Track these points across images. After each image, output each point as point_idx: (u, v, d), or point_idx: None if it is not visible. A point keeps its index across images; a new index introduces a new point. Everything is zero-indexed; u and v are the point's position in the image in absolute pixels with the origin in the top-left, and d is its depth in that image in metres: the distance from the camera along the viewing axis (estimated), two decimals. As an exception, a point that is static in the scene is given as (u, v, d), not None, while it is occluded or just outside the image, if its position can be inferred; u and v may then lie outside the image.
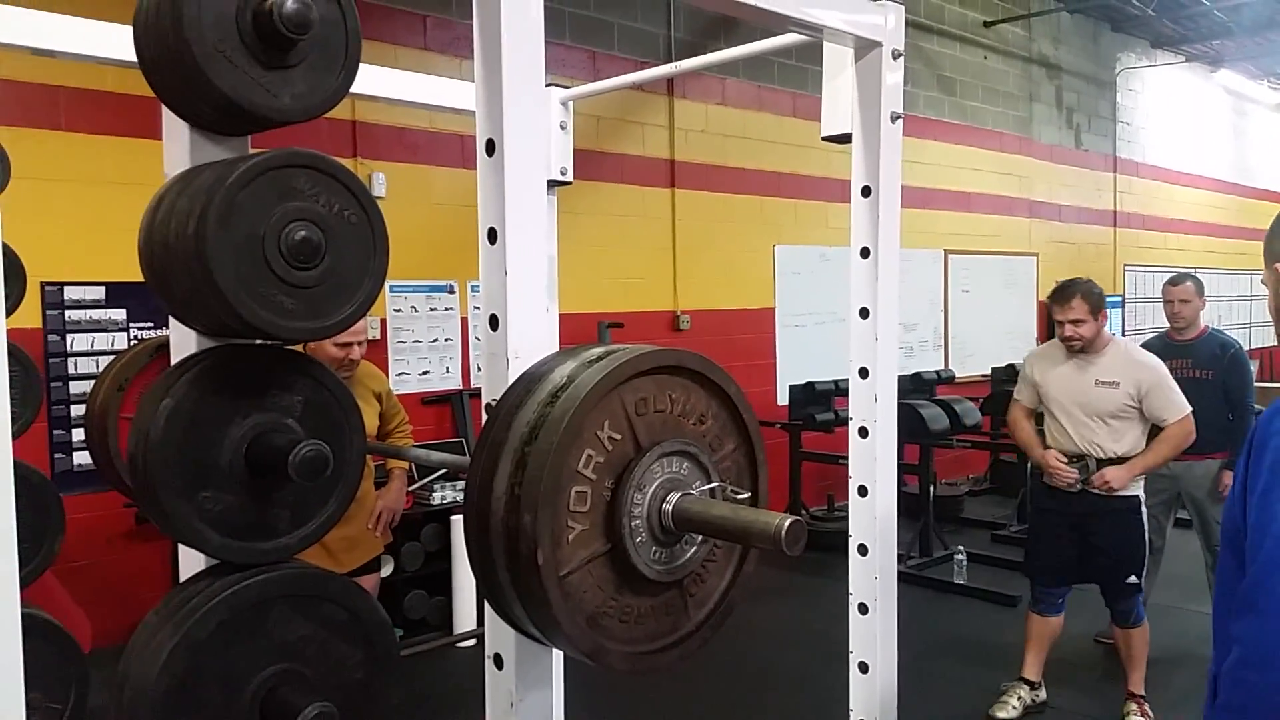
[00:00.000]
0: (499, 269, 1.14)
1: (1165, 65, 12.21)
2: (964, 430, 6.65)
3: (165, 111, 1.06)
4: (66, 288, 4.53)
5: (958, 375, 8.52)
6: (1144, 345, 4.99)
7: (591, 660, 1.04)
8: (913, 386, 7.26)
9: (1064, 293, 3.98)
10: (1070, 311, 3.92)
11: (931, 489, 6.49)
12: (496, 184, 1.14)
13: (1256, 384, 5.18)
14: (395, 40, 5.31)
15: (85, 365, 4.58)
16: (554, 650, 1.17)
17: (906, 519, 6.80)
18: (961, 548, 6.09)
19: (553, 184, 2.64)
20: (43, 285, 4.43)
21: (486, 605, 1.11)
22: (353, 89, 2.24)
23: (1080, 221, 10.86)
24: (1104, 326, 3.96)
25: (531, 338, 1.15)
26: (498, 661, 1.19)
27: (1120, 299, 11.38)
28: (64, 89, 4.39)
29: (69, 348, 4.55)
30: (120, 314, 4.67)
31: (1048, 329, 10.18)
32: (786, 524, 0.97)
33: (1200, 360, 4.71)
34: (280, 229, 0.97)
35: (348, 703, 1.07)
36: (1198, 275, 5.02)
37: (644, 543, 1.07)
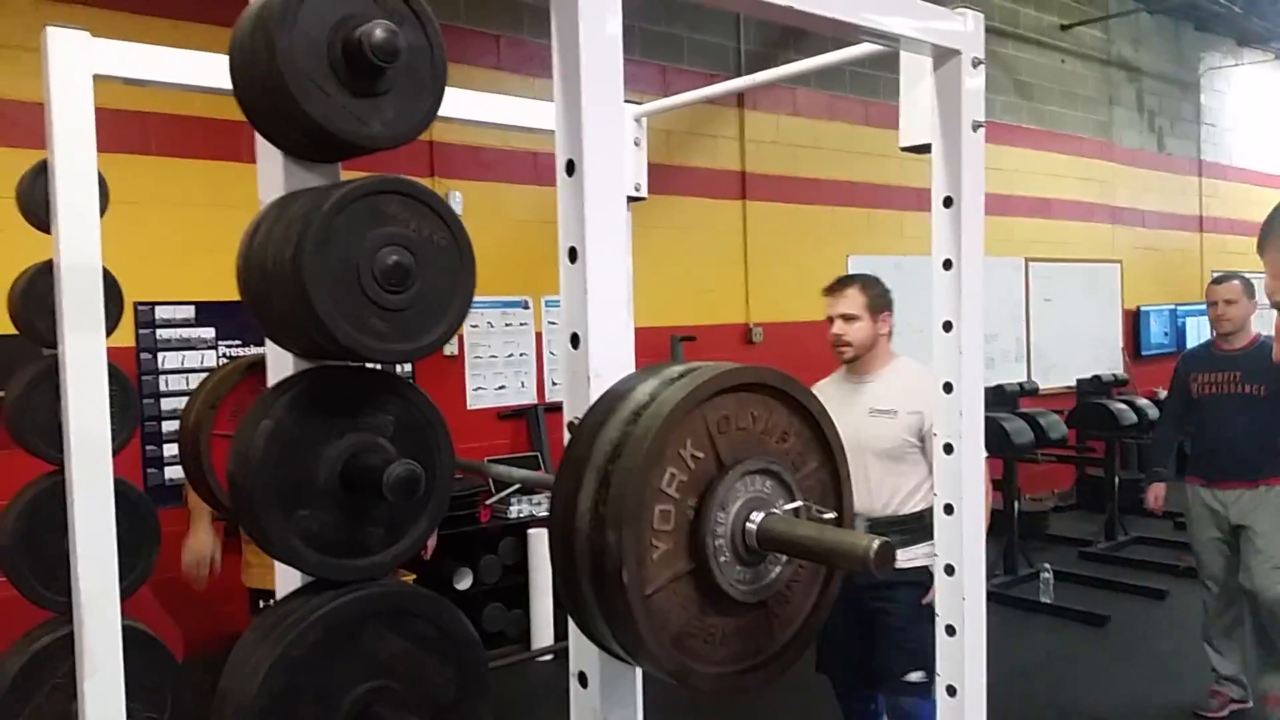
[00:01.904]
0: (580, 288, 1.15)
1: (1253, 64, 11.79)
2: (1049, 444, 6.50)
3: (259, 139, 1.09)
4: (158, 307, 4.69)
5: (1041, 387, 8.32)
6: (1186, 355, 4.65)
7: (677, 681, 1.03)
8: (995, 399, 7.12)
9: (839, 282, 3.23)
10: (841, 303, 3.11)
11: (1016, 505, 6.33)
12: (576, 203, 1.15)
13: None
14: (469, 61, 5.41)
15: (175, 382, 4.74)
16: (636, 669, 1.17)
17: (990, 536, 6.66)
18: (1048, 565, 5.93)
19: (627, 200, 2.66)
20: (135, 305, 4.60)
21: (570, 623, 1.11)
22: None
23: (1165, 227, 10.53)
24: (886, 336, 3.14)
25: (612, 356, 1.15)
26: (582, 680, 1.19)
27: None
28: (154, 115, 4.56)
29: (160, 365, 4.71)
30: (209, 332, 4.82)
31: (1134, 336, 9.96)
32: (875, 546, 0.95)
33: (1251, 373, 4.04)
34: (373, 254, 0.99)
35: (439, 719, 1.08)
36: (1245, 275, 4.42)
37: (728, 562, 1.05)
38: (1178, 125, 10.82)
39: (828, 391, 3.13)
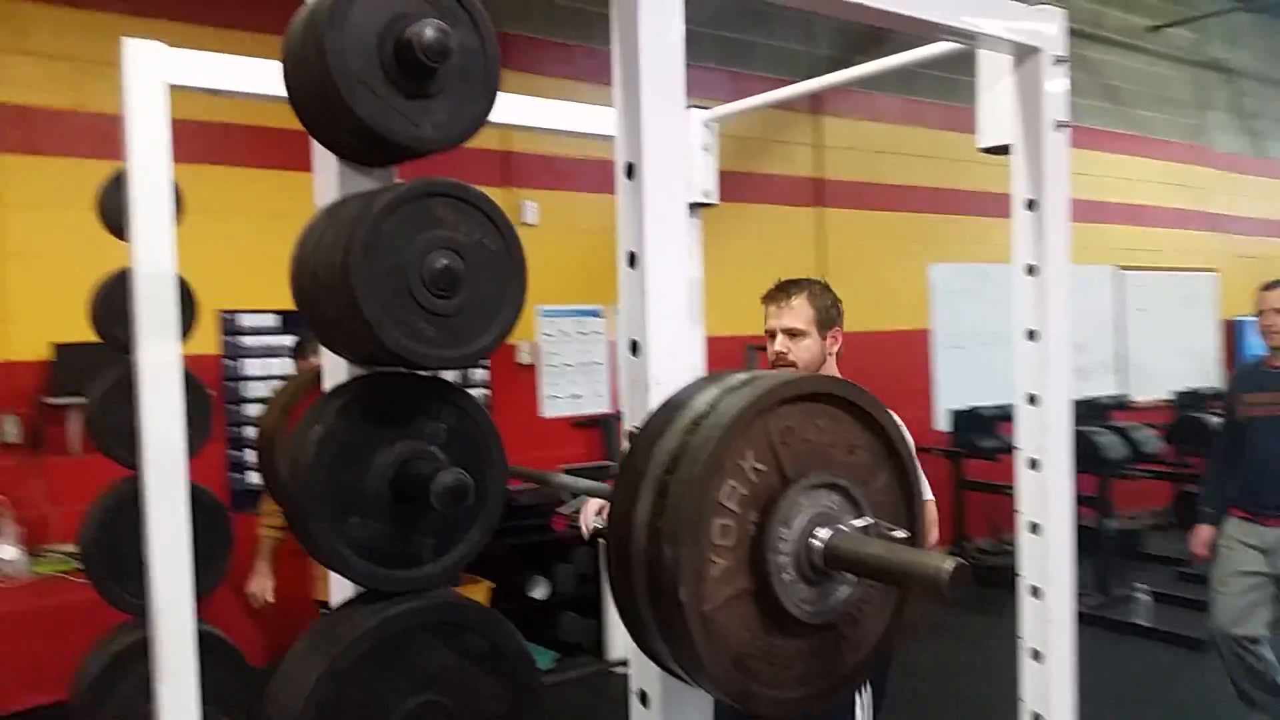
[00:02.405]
0: (639, 293, 1.12)
1: (1363, 61, 11.22)
2: (1143, 459, 6.25)
3: (314, 144, 1.09)
4: (241, 315, 4.81)
5: (1136, 400, 8.01)
6: (1236, 372, 4.20)
7: (738, 704, 0.99)
8: (1086, 412, 6.88)
9: (782, 288, 2.76)
10: (785, 315, 2.67)
11: (1109, 522, 6.10)
12: (636, 207, 1.12)
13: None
14: (544, 70, 5.44)
15: (258, 389, 4.85)
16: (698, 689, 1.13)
17: (1082, 555, 6.40)
18: (1144, 586, 5.69)
19: (695, 206, 2.63)
20: (220, 314, 4.72)
21: (630, 639, 1.08)
22: (504, 119, 2.30)
23: (1266, 234, 10.06)
24: (835, 356, 2.71)
25: (673, 363, 1.12)
26: (643, 699, 1.15)
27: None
28: (236, 126, 4.68)
29: (243, 372, 4.82)
30: (290, 340, 4.92)
31: (1232, 348, 9.54)
32: (949, 567, 0.89)
33: None
34: (422, 258, 0.98)
35: (489, 737, 1.05)
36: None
37: (792, 581, 1.00)
38: (1278, 128, 10.34)
39: None
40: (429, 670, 1.03)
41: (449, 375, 1.10)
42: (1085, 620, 5.58)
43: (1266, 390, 3.75)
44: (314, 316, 1.03)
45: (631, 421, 1.10)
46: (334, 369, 1.14)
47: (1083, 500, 6.11)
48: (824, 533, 1.00)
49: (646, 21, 1.09)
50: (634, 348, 1.13)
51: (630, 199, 1.12)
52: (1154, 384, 8.67)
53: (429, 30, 0.95)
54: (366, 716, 0.99)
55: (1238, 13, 9.65)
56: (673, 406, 1.03)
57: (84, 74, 4.42)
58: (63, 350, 4.19)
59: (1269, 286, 3.84)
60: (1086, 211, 8.08)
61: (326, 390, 1.09)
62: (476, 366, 5.36)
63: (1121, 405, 7.45)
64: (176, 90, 1.79)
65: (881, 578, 1.00)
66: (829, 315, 2.67)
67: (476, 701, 1.06)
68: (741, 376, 1.05)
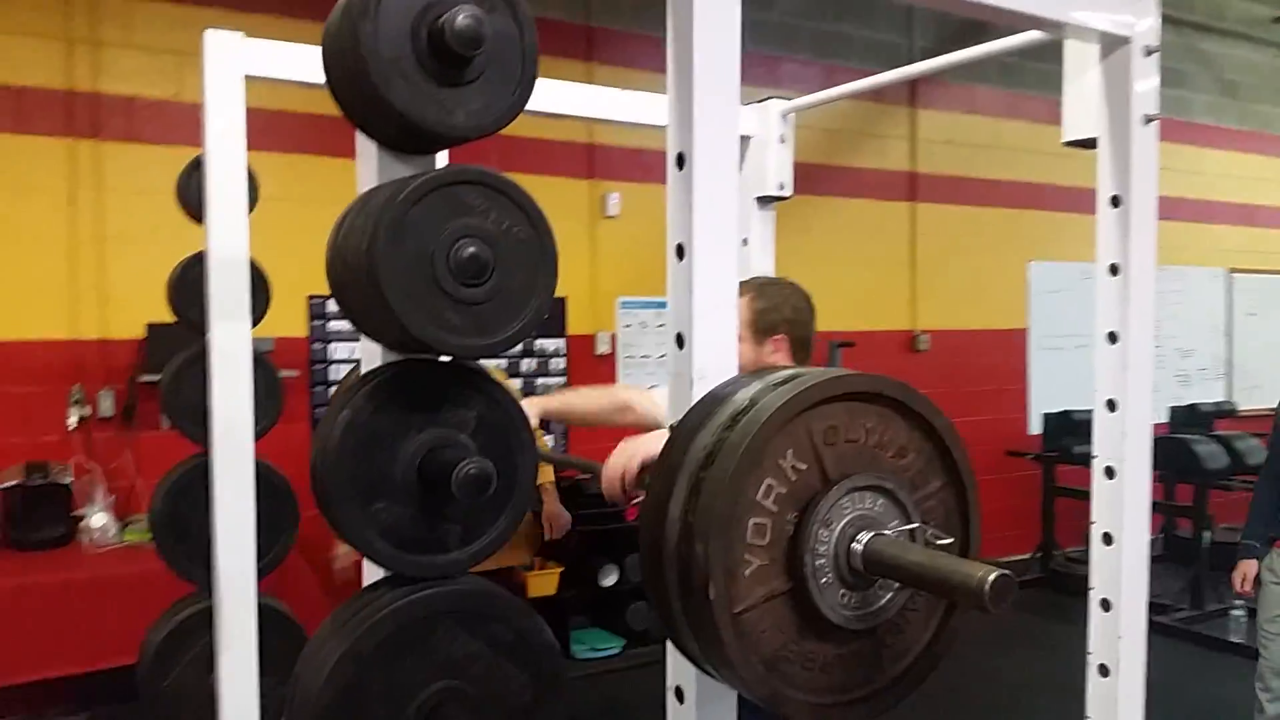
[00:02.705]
0: (686, 286, 1.10)
1: None
2: (1246, 470, 5.95)
3: (357, 132, 1.10)
4: (329, 300, 4.93)
5: (1241, 408, 7.64)
6: None
7: (769, 706, 0.96)
8: (1187, 419, 6.58)
9: None
10: None
11: (1206, 534, 5.84)
12: (686, 199, 1.11)
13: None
14: (630, 63, 5.43)
15: (343, 372, 4.97)
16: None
17: (1177, 566, 6.18)
18: (1241, 602, 5.43)
19: (771, 199, 2.58)
20: (309, 299, 4.85)
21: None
22: (587, 112, 2.30)
23: (1389, 237, 9.47)
24: (767, 363, 2.37)
25: (718, 358, 1.11)
26: (678, 695, 1.15)
27: None
28: (326, 118, 4.79)
29: (330, 355, 4.95)
30: (343, 324, 5.04)
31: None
32: (991, 578, 0.85)
33: None
34: (450, 246, 0.97)
35: (510, 726, 1.05)
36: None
37: (829, 584, 0.97)
38: None
39: None
40: (452, 656, 1.03)
41: (523, 364, 1.09)
42: (1174, 634, 5.34)
43: None
44: (346, 303, 1.04)
45: (675, 415, 1.09)
46: (369, 355, 1.15)
47: (1180, 510, 5.86)
48: (865, 536, 0.97)
49: (701, 12, 1.07)
50: (680, 341, 1.11)
51: (680, 190, 1.10)
52: (1262, 391, 8.26)
53: (462, 17, 0.94)
54: (386, 699, 1.00)
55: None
56: (714, 401, 1.02)
57: (185, 66, 4.58)
58: (155, 330, 4.36)
59: None
60: (1196, 211, 7.72)
61: (359, 376, 1.10)
62: (554, 356, 5.41)
63: (1226, 413, 7.12)
64: (265, 81, 1.83)
65: (920, 585, 0.96)
66: (769, 321, 2.40)
67: (498, 690, 1.06)
68: (788, 373, 1.02)
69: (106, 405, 4.47)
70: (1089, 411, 5.13)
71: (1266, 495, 3.80)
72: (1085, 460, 5.82)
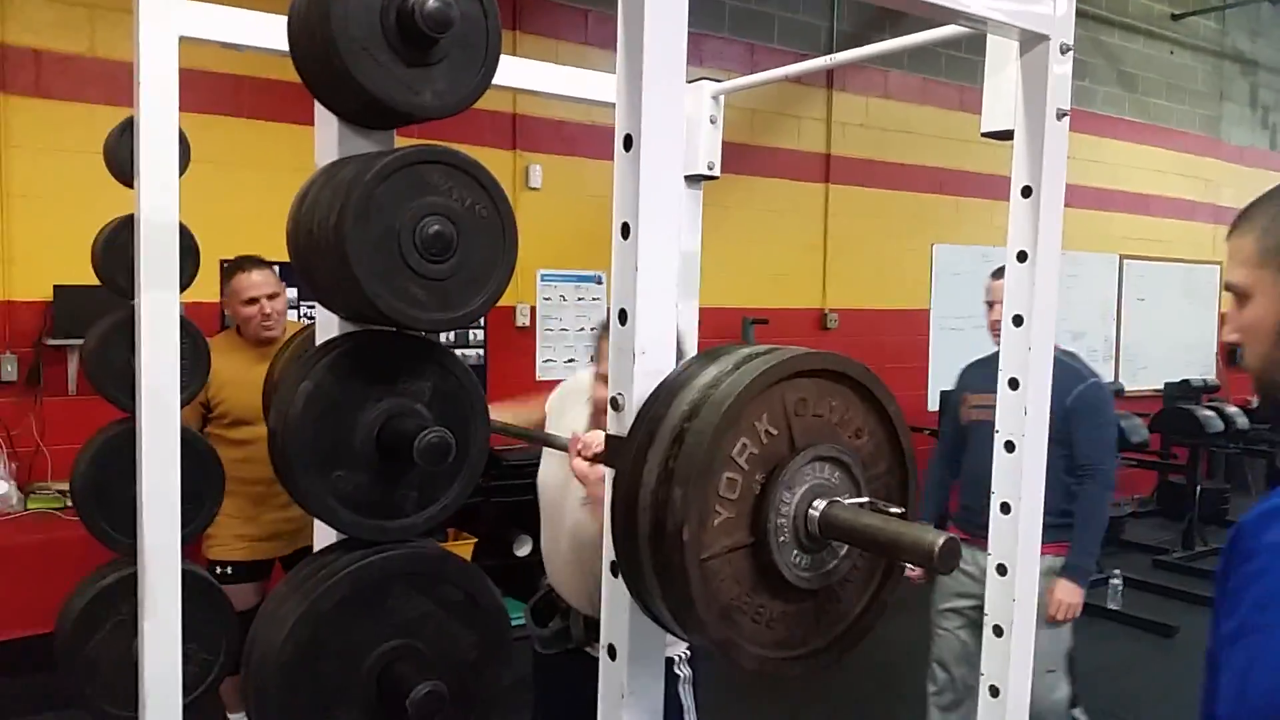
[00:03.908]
0: (630, 264, 1.14)
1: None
2: (1129, 448, 6.28)
3: (317, 104, 1.11)
4: (242, 265, 4.82)
5: (1127, 389, 8.05)
6: (964, 369, 3.69)
7: (721, 651, 1.03)
8: (1075, 399, 6.89)
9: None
10: None
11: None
12: (633, 179, 1.14)
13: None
14: (557, 35, 5.42)
15: (257, 339, 4.87)
16: (662, 646, 1.17)
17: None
18: (1118, 572, 5.77)
19: (699, 178, 2.63)
20: (222, 263, 4.73)
21: (606, 595, 1.12)
22: (514, 83, 2.31)
23: (1274, 230, 10.06)
24: None
25: (659, 333, 1.15)
26: (611, 652, 1.19)
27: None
28: (247, 79, 4.68)
29: (243, 322, 4.83)
30: (292, 292, 4.93)
31: (1229, 346, 9.52)
32: (941, 540, 0.93)
33: None
34: (415, 223, 1.01)
35: (459, 681, 1.10)
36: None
37: (786, 543, 1.04)
38: (1296, 122, 10.31)
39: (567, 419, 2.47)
40: (406, 616, 1.07)
41: (441, 336, 1.13)
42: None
43: (993, 391, 3.38)
44: (307, 274, 1.06)
45: (617, 388, 1.14)
46: (326, 325, 1.17)
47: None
48: (821, 503, 1.04)
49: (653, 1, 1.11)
50: (623, 316, 1.15)
51: (627, 171, 1.14)
52: (1147, 374, 8.71)
53: (432, 1, 0.97)
54: (343, 657, 1.03)
55: (1264, 3, 9.58)
56: (698, 364, 1.07)
57: (98, 20, 4.41)
58: (63, 292, 4.21)
59: (998, 274, 3.22)
60: (1094, 199, 8.06)
61: (316, 346, 1.12)
62: (473, 327, 5.39)
63: (1114, 393, 7.49)
64: (187, 41, 1.81)
65: (875, 548, 1.04)
66: None
67: (449, 648, 1.10)
68: (765, 347, 1.09)
69: (9, 370, 4.30)
70: (983, 388, 4.81)
71: (937, 476, 3.71)
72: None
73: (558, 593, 2.34)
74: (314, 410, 1.03)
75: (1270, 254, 1.15)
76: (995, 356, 3.41)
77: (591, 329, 5.82)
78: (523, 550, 5.19)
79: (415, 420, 1.07)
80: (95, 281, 2.09)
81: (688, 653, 2.36)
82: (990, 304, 3.30)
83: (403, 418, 1.07)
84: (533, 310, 5.58)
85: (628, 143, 1.15)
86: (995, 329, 3.20)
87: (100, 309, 2.09)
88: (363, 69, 0.98)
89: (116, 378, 2.00)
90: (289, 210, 1.09)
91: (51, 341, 4.24)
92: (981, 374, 3.31)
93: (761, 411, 0.99)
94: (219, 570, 3.36)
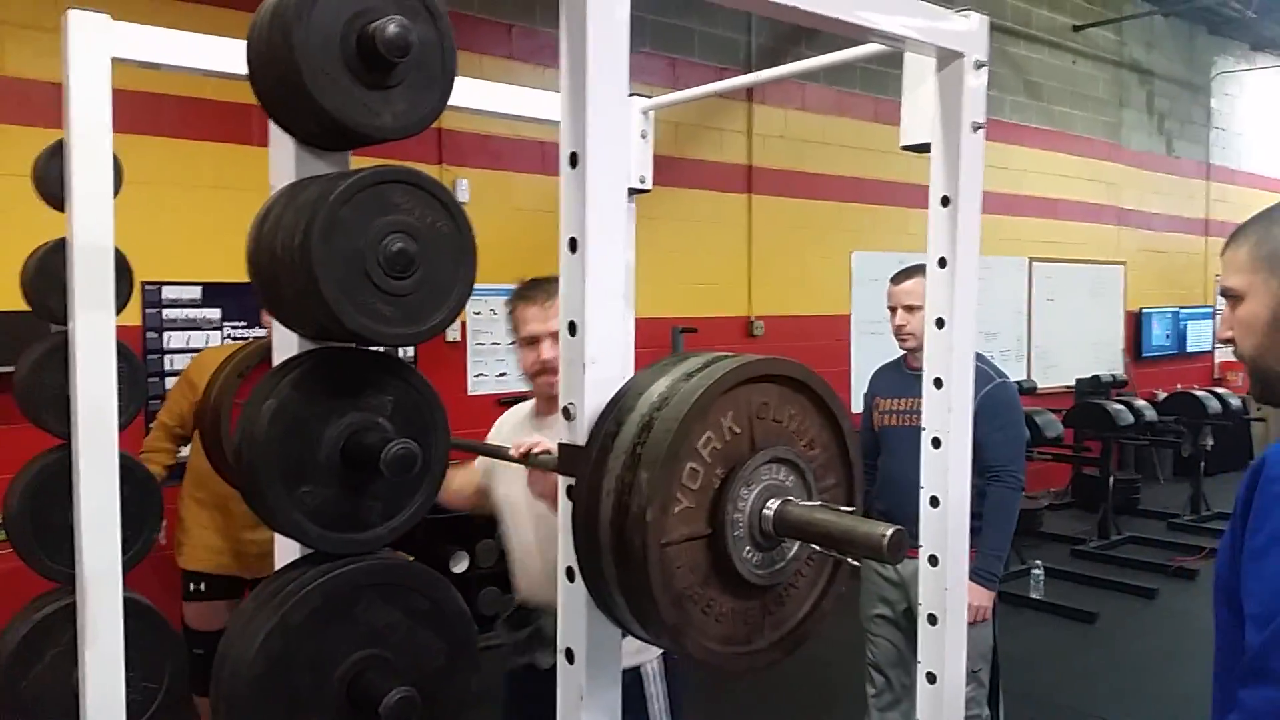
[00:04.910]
0: (578, 277, 1.17)
1: (1265, 69, 11.78)
2: (1045, 443, 6.53)
3: (272, 126, 1.13)
4: (165, 287, 4.73)
5: (1040, 386, 8.34)
6: (874, 374, 3.68)
7: (670, 639, 1.06)
8: (992, 397, 7.11)
9: (541, 287, 2.49)
10: (553, 318, 2.34)
11: (1013, 501, 6.37)
12: (579, 195, 1.18)
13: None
14: (481, 50, 5.43)
15: (181, 362, 4.77)
16: (619, 645, 1.20)
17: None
18: (1039, 562, 5.98)
19: (632, 192, 2.69)
20: (144, 285, 4.64)
21: (562, 599, 1.15)
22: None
23: (1171, 230, 10.55)
24: None
25: (609, 344, 1.19)
26: (569, 656, 1.22)
27: (1211, 311, 11.01)
28: (167, 97, 4.60)
29: (166, 344, 4.75)
30: (215, 313, 4.86)
31: (1135, 338, 9.99)
32: (890, 533, 0.99)
33: None
34: (379, 241, 1.04)
35: (428, 688, 1.12)
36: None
37: (741, 538, 1.09)
38: (1187, 129, 10.82)
39: (503, 432, 2.60)
40: (374, 626, 1.09)
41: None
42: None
43: (904, 396, 3.24)
44: (270, 294, 1.08)
45: (568, 398, 1.17)
46: (284, 344, 1.19)
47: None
48: (776, 501, 1.09)
49: (595, 15, 1.14)
50: (572, 328, 1.19)
51: (573, 187, 1.17)
52: (1059, 371, 9.04)
53: (391, 26, 1.01)
54: (314, 668, 1.05)
55: (1157, 16, 10.06)
56: (669, 363, 1.12)
57: (8, 38, 4.28)
58: (-10, 318, 4.08)
59: (898, 278, 3.34)
60: (1003, 204, 8.36)
61: (277, 364, 1.14)
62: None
63: (1026, 391, 7.76)
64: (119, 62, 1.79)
65: (828, 542, 1.08)
66: None
67: (416, 655, 1.13)
68: (729, 354, 1.14)
69: (-70, 399, 4.13)
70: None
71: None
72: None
73: (529, 604, 2.37)
74: (279, 427, 1.05)
75: (1262, 261, 1.38)
76: (900, 360, 3.43)
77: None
78: (459, 566, 5.17)
79: (379, 434, 1.10)
80: (15, 306, 2.05)
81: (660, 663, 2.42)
82: (893, 309, 3.31)
83: (367, 431, 1.10)
84: (463, 325, 5.57)
85: (573, 160, 1.18)
86: (898, 333, 3.29)
87: (22, 335, 2.05)
88: (325, 93, 1.00)
89: (50, 404, 1.97)
90: (249, 231, 1.10)
91: (-23, 369, 4.10)
92: (888, 378, 3.43)
93: (728, 409, 1.04)
94: (193, 585, 3.41)
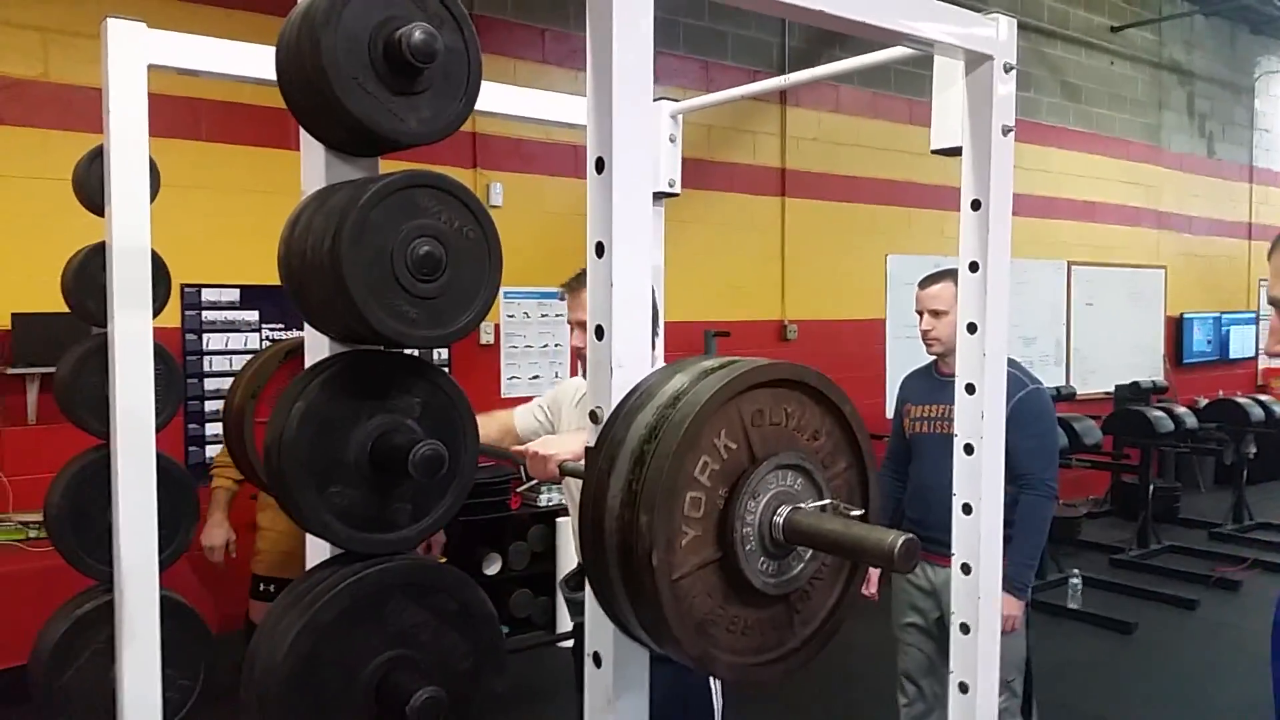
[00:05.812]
0: (605, 281, 1.18)
1: (1311, 69, 11.57)
2: (1083, 450, 6.44)
3: (303, 132, 1.15)
4: (204, 290, 4.81)
5: (1079, 392, 8.24)
6: (905, 380, 3.55)
7: (699, 666, 1.05)
8: (1029, 402, 7.05)
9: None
10: (577, 307, 2.57)
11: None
12: (605, 200, 1.18)
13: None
14: (515, 54, 5.47)
15: (219, 363, 4.85)
16: (645, 652, 1.20)
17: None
18: (1077, 571, 5.90)
19: (660, 195, 2.69)
20: (182, 287, 4.72)
21: (588, 603, 1.15)
22: (475, 105, 2.34)
23: (1212, 234, 10.37)
24: None
25: (635, 348, 1.19)
26: (596, 660, 1.22)
27: (1254, 316, 10.81)
28: (205, 102, 4.67)
29: (205, 346, 4.83)
30: (253, 315, 4.93)
31: (1176, 344, 9.84)
32: (900, 541, 0.97)
33: None
34: (407, 245, 1.05)
35: (455, 689, 1.13)
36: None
37: (753, 552, 1.07)
38: (1229, 130, 10.64)
39: (568, 394, 2.80)
40: (401, 627, 1.10)
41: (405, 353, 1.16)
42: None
43: (935, 402, 3.20)
44: (301, 297, 1.09)
45: (595, 401, 1.18)
46: (315, 346, 1.21)
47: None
48: (785, 510, 1.07)
49: (620, 22, 1.15)
50: (599, 332, 1.19)
51: (600, 192, 1.18)
52: (1098, 377, 8.93)
53: (418, 33, 1.02)
54: (342, 668, 1.06)
55: (1197, 16, 9.91)
56: (653, 384, 1.10)
57: (52, 45, 4.38)
58: (21, 320, 4.17)
59: (925, 283, 3.32)
60: (1041, 207, 8.27)
61: (307, 367, 1.15)
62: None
63: (1066, 397, 7.67)
64: (155, 69, 1.83)
65: (838, 551, 1.07)
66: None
67: (443, 657, 1.14)
68: (716, 361, 1.13)
69: (-33, 401, 4.24)
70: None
71: (885, 488, 3.46)
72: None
73: None
74: (308, 429, 1.06)
75: None
76: (930, 366, 3.38)
77: (556, 345, 5.87)
78: (492, 569, 5.20)
79: (407, 435, 1.11)
80: (54, 308, 2.09)
81: None
82: (920, 313, 3.28)
83: (395, 433, 1.11)
84: (496, 328, 5.61)
85: (599, 165, 1.19)
86: (925, 337, 3.27)
87: (61, 336, 2.10)
88: (352, 98, 1.02)
89: (89, 404, 2.01)
90: (280, 235, 1.12)
91: (10, 370, 4.19)
92: (919, 384, 3.37)
93: (720, 428, 1.02)
94: (262, 585, 3.47)
